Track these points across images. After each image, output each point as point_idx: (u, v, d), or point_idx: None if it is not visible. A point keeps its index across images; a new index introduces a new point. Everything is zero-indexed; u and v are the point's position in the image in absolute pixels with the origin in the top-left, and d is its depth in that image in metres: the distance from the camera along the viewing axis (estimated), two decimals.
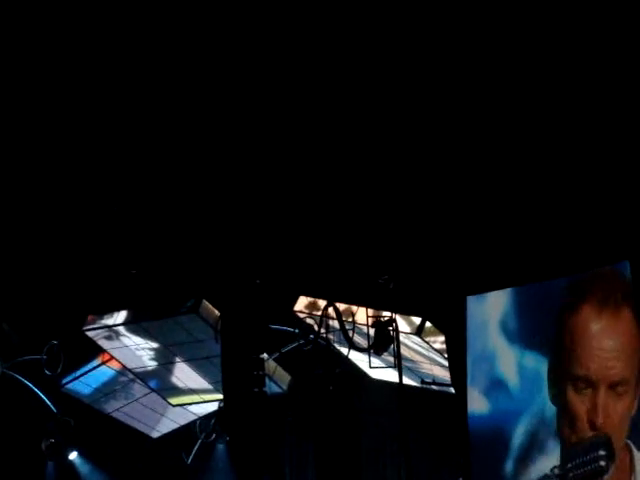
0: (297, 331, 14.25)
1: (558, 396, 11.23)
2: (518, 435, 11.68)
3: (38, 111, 10.21)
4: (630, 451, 10.67)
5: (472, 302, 12.64)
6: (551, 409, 11.38)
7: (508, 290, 12.25)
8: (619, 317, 10.97)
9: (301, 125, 10.37)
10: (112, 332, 14.98)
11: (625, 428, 10.61)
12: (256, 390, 13.13)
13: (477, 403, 12.20)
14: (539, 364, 11.58)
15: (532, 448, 11.43)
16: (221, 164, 11.10)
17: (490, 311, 12.30)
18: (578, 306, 11.16)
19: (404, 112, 10.08)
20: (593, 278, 11.24)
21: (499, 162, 10.88)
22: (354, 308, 14.12)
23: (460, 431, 12.74)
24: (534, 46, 9.06)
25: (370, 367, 14.24)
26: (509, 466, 11.67)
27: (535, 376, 11.61)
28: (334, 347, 14.41)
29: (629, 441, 10.68)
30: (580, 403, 10.90)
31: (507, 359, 11.94)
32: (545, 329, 11.60)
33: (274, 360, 14.61)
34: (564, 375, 11.20)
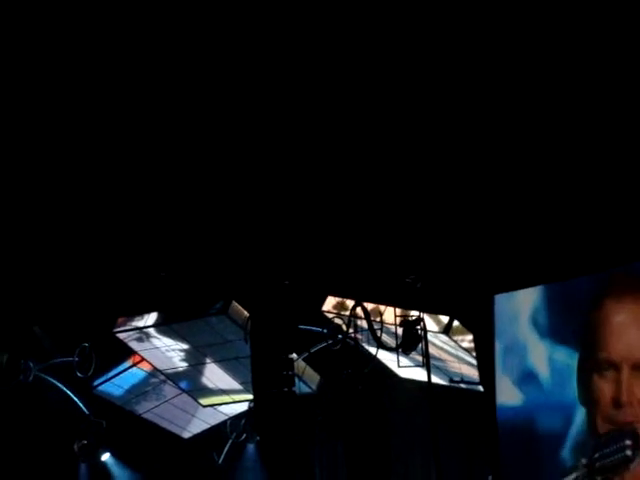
0: (326, 331, 14.31)
1: (585, 391, 11.34)
2: (548, 426, 11.77)
3: (67, 117, 10.28)
4: None
5: (501, 299, 12.75)
6: (577, 401, 11.52)
7: (538, 288, 12.34)
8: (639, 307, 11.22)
9: (327, 128, 10.41)
10: (143, 334, 15.09)
11: None
12: (286, 390, 13.18)
13: (508, 394, 12.28)
14: (570, 359, 11.75)
15: (561, 439, 11.49)
16: (250, 168, 11.15)
17: (520, 306, 12.44)
18: (601, 302, 11.45)
19: (427, 113, 10.10)
20: (612, 277, 11.45)
21: (527, 163, 10.90)
22: (382, 308, 14.18)
23: (489, 428, 12.78)
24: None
25: (399, 366, 14.29)
26: (539, 456, 11.73)
27: (565, 369, 11.78)
28: (362, 347, 14.46)
29: None
30: (604, 386, 11.08)
31: (538, 352, 12.10)
32: (574, 326, 11.76)
33: (303, 360, 14.67)
34: (589, 366, 11.41)
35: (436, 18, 8.78)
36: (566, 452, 11.21)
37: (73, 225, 12.40)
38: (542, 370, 12.02)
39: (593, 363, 11.35)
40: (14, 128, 10.25)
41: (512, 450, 12.23)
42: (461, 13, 8.72)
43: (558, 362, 11.86)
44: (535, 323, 12.17)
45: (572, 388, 11.62)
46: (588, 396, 11.28)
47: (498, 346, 12.51)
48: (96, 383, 15.72)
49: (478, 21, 8.81)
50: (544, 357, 12.02)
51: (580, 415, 11.34)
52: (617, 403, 10.72)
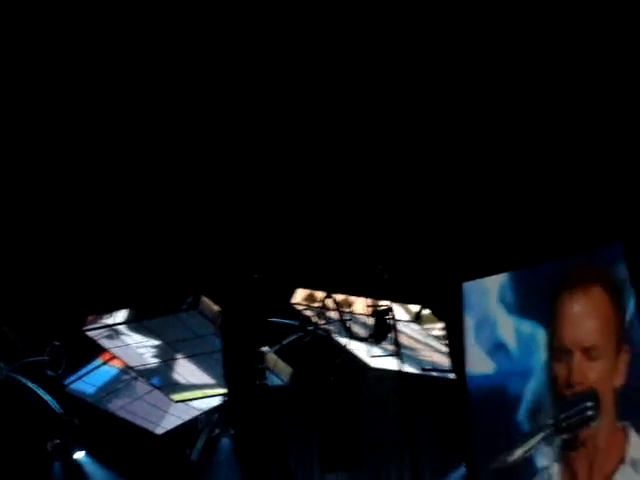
0: (296, 323, 14.32)
1: (548, 374, 12.17)
2: (516, 392, 12.39)
3: (38, 110, 10.26)
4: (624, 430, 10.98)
5: (469, 287, 13.08)
6: (543, 370, 12.30)
7: (504, 274, 12.67)
8: (592, 297, 12.18)
9: (296, 121, 10.43)
10: (113, 331, 15.03)
11: (608, 395, 11.02)
12: (258, 383, 13.19)
13: (480, 364, 12.87)
14: (534, 331, 12.57)
15: (529, 403, 11.99)
16: (217, 162, 11.17)
17: (488, 289, 12.88)
18: (558, 295, 12.45)
19: (397, 105, 10.15)
20: (567, 272, 12.43)
21: (492, 154, 10.98)
22: (352, 298, 14.21)
23: (461, 415, 12.88)
24: (531, 44, 9.12)
25: (370, 356, 14.32)
26: (508, 420, 12.19)
27: (531, 340, 12.56)
28: (333, 338, 14.49)
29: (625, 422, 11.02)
30: (560, 369, 11.96)
31: (506, 326, 12.85)
32: (538, 307, 12.58)
33: (274, 353, 14.67)
34: (551, 353, 12.33)
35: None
36: (533, 414, 11.85)
37: (41, 224, 12.37)
38: (510, 341, 12.77)
39: (553, 350, 12.30)
40: (9, 124, 10.25)
41: (484, 418, 12.78)
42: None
43: (524, 334, 12.65)
44: (503, 301, 12.90)
45: (537, 357, 12.47)
46: (550, 379, 12.09)
47: (469, 321, 13.06)
48: (68, 381, 15.66)
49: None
50: (512, 330, 12.78)
51: (544, 383, 12.13)
52: (569, 384, 11.55)
